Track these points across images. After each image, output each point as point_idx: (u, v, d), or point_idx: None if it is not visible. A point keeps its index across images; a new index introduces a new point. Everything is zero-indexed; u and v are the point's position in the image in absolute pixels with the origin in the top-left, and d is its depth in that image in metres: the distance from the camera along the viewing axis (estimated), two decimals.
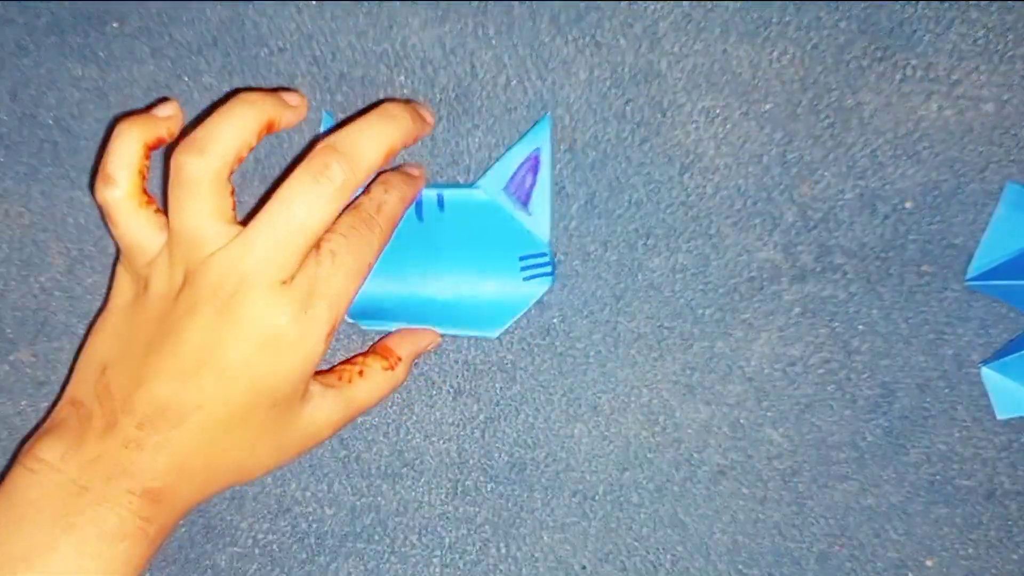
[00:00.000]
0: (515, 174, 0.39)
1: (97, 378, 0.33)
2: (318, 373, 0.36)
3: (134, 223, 0.34)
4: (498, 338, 0.40)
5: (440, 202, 0.38)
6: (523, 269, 0.39)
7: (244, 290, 0.32)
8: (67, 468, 0.31)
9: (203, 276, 0.32)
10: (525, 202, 0.39)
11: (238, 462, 0.33)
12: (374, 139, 0.34)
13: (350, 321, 0.39)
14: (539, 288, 0.39)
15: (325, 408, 0.35)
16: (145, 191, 0.34)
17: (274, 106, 0.34)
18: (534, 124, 0.39)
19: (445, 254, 0.39)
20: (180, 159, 0.33)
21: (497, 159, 0.39)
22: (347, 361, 0.38)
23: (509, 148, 0.39)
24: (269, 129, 0.34)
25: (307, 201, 0.32)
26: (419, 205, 0.38)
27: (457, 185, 0.39)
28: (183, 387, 0.32)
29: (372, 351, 0.38)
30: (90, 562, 0.30)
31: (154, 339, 0.33)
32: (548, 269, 0.39)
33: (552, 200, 0.39)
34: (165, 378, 0.32)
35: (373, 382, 0.37)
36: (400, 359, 0.38)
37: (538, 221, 0.39)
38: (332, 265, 0.33)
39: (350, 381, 0.37)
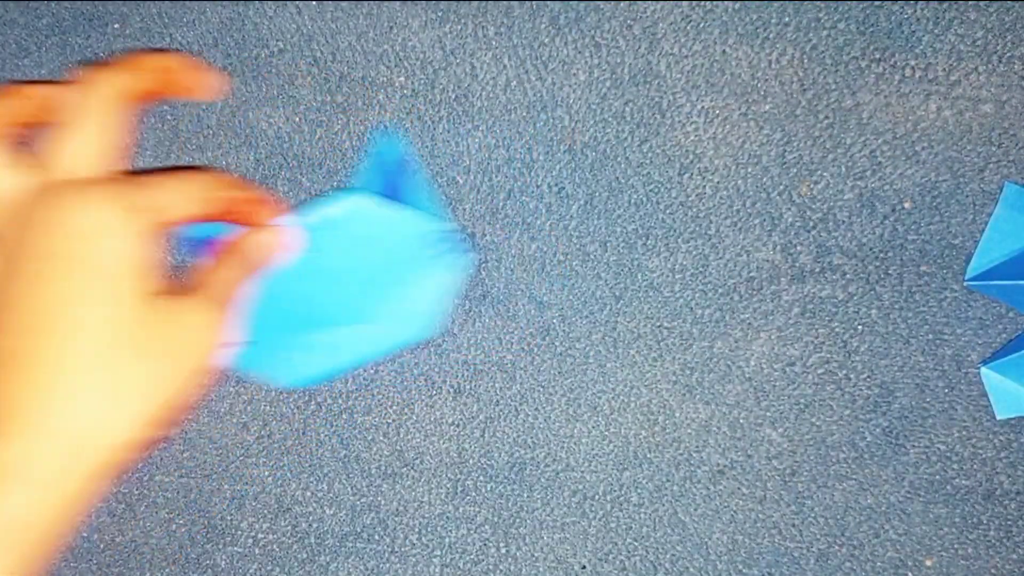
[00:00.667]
0: (384, 182, 0.37)
1: None
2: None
3: None
4: (441, 334, 0.39)
5: (322, 223, 0.34)
6: (433, 254, 0.35)
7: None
8: None
9: None
10: (401, 198, 0.36)
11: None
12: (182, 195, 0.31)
13: (289, 389, 0.38)
14: (459, 266, 0.36)
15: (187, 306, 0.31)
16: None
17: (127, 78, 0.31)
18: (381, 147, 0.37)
19: (348, 275, 0.35)
20: None
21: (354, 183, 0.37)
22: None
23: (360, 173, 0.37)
24: (146, 98, 0.31)
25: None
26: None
27: (327, 199, 0.35)
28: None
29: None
30: None
31: None
32: (460, 243, 0.36)
33: (433, 193, 0.37)
34: None
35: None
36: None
37: (426, 210, 0.36)
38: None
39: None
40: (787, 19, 0.39)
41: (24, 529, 0.28)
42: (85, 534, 0.41)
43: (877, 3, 0.39)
